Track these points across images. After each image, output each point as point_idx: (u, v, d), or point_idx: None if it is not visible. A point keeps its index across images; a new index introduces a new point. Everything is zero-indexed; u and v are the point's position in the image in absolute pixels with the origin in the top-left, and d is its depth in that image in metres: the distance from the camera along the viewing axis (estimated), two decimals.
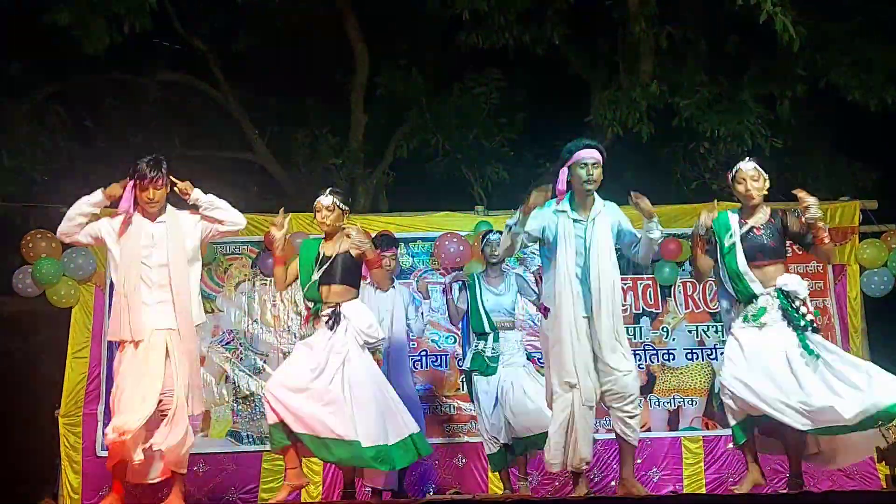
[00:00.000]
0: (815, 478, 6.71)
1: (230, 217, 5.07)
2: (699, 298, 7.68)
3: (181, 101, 10.34)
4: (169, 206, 5.04)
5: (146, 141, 9.61)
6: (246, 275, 7.63)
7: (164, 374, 4.82)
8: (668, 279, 7.65)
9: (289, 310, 7.55)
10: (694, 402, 7.54)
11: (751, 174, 5.07)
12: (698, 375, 7.58)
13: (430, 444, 5.52)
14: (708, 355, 7.59)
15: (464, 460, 7.38)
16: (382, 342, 5.48)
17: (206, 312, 7.22)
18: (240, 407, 7.40)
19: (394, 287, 6.42)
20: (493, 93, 10.04)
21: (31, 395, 8.18)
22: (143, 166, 4.87)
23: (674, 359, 7.61)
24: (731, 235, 5.06)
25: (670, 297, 7.71)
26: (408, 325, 6.60)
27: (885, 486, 7.07)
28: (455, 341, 7.58)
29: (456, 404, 7.45)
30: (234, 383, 7.43)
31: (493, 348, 6.22)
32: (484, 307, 6.26)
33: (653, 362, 7.56)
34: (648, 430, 7.25)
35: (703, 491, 7.20)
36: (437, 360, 7.62)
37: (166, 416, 4.80)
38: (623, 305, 7.15)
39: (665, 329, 7.66)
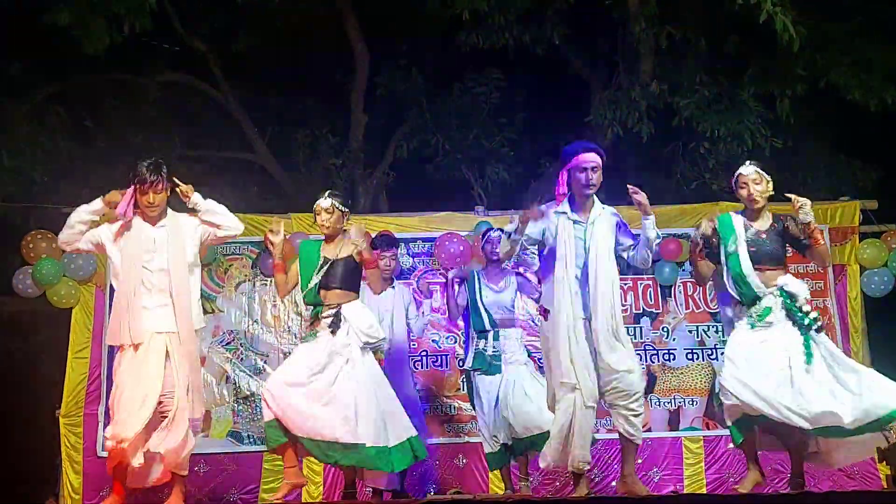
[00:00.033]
0: (815, 478, 6.71)
1: (228, 222, 5.06)
2: (699, 298, 7.68)
3: (181, 101, 10.34)
4: (169, 211, 5.04)
5: (146, 141, 9.61)
6: (246, 275, 7.63)
7: (163, 376, 4.82)
8: (668, 279, 7.65)
9: (289, 310, 7.54)
10: (694, 402, 7.54)
11: (752, 178, 5.08)
12: (699, 375, 7.58)
13: (426, 448, 5.52)
14: (708, 355, 7.58)
15: (464, 460, 7.38)
16: (384, 342, 5.48)
17: (207, 313, 7.29)
18: (240, 407, 7.39)
19: (393, 287, 6.42)
20: (493, 93, 10.05)
21: (31, 395, 8.18)
22: (142, 170, 4.87)
23: (674, 359, 7.61)
24: (734, 239, 5.06)
25: (670, 297, 7.71)
26: (408, 325, 6.60)
27: (885, 487, 7.07)
28: (455, 341, 7.58)
29: (456, 404, 7.45)
30: (235, 384, 7.43)
31: (494, 347, 6.22)
32: (483, 304, 6.26)
33: (653, 362, 7.56)
34: (649, 430, 7.24)
35: (704, 491, 7.20)
36: (437, 360, 7.62)
37: (166, 417, 4.81)
38: (623, 305, 7.20)
39: (665, 329, 7.66)
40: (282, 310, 7.57)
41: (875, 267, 7.65)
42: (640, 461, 7.04)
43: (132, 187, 4.89)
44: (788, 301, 4.98)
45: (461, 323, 6.73)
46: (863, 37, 8.55)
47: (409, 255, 7.72)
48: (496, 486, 7.07)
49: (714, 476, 7.36)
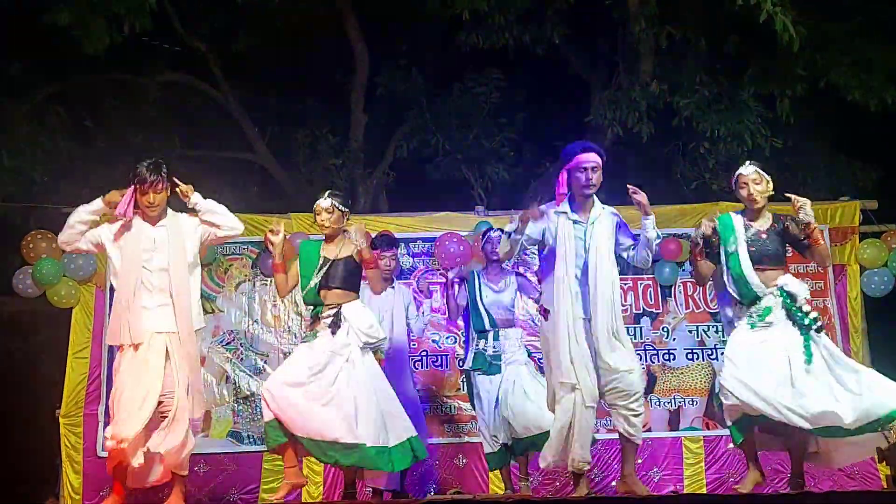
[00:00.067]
0: (816, 478, 6.72)
1: (228, 223, 5.06)
2: (699, 298, 7.68)
3: (181, 101, 10.33)
4: (169, 210, 5.04)
5: (146, 141, 9.60)
6: (246, 275, 7.63)
7: (163, 376, 4.82)
8: (668, 279, 7.65)
9: (289, 310, 7.55)
10: (694, 402, 7.54)
11: (752, 178, 5.08)
12: (699, 375, 7.58)
13: (426, 448, 5.51)
14: (708, 355, 7.59)
15: (464, 460, 7.38)
16: (384, 342, 5.48)
17: (207, 313, 7.30)
18: (240, 407, 7.40)
19: (393, 287, 6.42)
20: (493, 93, 10.04)
21: (31, 395, 8.18)
22: (142, 170, 4.86)
23: (674, 359, 7.61)
24: (734, 239, 5.06)
25: (671, 297, 7.71)
26: (408, 325, 6.59)
27: (885, 487, 7.07)
28: (455, 341, 7.58)
29: (456, 404, 7.45)
30: (235, 384, 7.44)
31: (494, 347, 6.22)
32: (483, 304, 6.26)
33: (653, 362, 7.56)
34: (649, 430, 7.24)
35: (704, 491, 7.20)
36: (437, 360, 7.62)
37: (166, 417, 4.80)
38: (623, 305, 7.21)
39: (665, 329, 7.66)
40: (282, 310, 7.57)
41: (875, 267, 7.66)
42: (640, 461, 7.04)
43: (132, 187, 4.89)
44: (788, 301, 4.99)
45: (461, 323, 6.73)
46: (863, 37, 8.55)
47: (409, 255, 7.72)
48: (496, 486, 7.07)
49: (714, 476, 7.37)
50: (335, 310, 5.17)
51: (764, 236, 5.07)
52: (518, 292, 6.43)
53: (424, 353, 7.59)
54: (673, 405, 7.55)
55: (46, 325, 8.34)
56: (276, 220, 5.43)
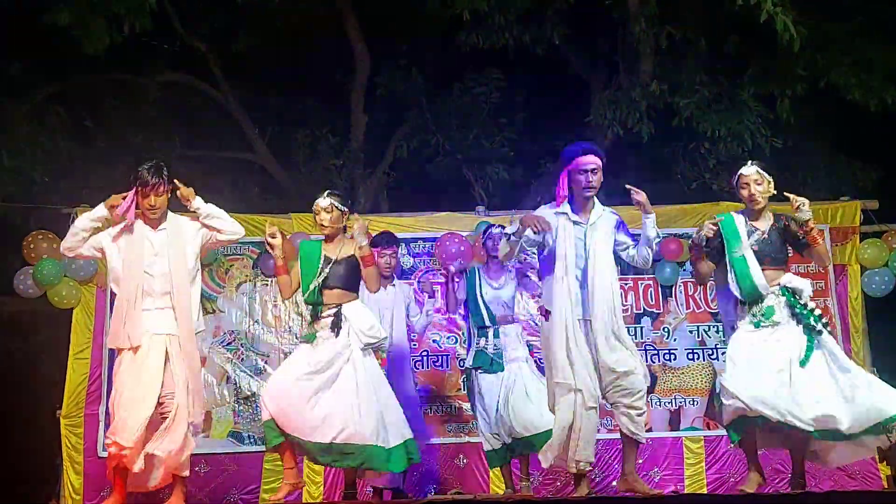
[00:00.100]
0: (816, 478, 6.72)
1: (229, 227, 5.06)
2: (700, 298, 7.68)
3: (181, 101, 10.33)
4: (170, 213, 5.04)
5: (146, 141, 9.61)
6: (247, 275, 7.63)
7: (163, 377, 4.82)
8: (669, 279, 7.65)
9: (290, 310, 7.54)
10: (695, 402, 7.54)
11: (754, 178, 5.08)
12: (699, 375, 7.58)
13: (420, 452, 5.50)
14: (709, 355, 7.59)
15: (465, 460, 7.38)
16: (385, 341, 5.48)
17: (208, 313, 7.33)
18: (241, 408, 7.39)
19: (393, 285, 6.42)
20: (493, 93, 10.04)
21: (31, 395, 8.19)
22: (143, 173, 4.86)
23: (675, 359, 7.62)
24: (739, 243, 5.03)
25: (671, 297, 7.71)
26: (411, 323, 6.58)
27: (886, 487, 7.08)
28: (456, 341, 7.58)
29: (457, 404, 7.45)
30: (236, 384, 7.43)
31: (494, 344, 6.22)
32: (483, 299, 6.26)
33: (654, 362, 7.56)
34: (650, 430, 7.22)
35: (705, 491, 7.21)
36: (438, 360, 7.62)
37: (167, 418, 4.80)
38: (624, 305, 7.22)
39: (666, 329, 7.66)
40: (283, 310, 7.57)
41: (876, 267, 7.66)
42: (640, 461, 7.04)
43: (133, 190, 4.89)
44: (792, 299, 4.98)
45: (462, 323, 6.72)
46: (863, 37, 8.55)
47: (409, 255, 7.72)
48: (496, 486, 7.07)
49: (715, 476, 7.37)
50: (335, 309, 5.16)
51: (766, 236, 5.06)
52: (519, 290, 6.44)
53: (425, 353, 7.59)
54: (674, 405, 7.55)
55: (46, 325, 8.34)
56: (270, 222, 5.40)
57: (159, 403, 4.82)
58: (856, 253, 7.68)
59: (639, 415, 5.01)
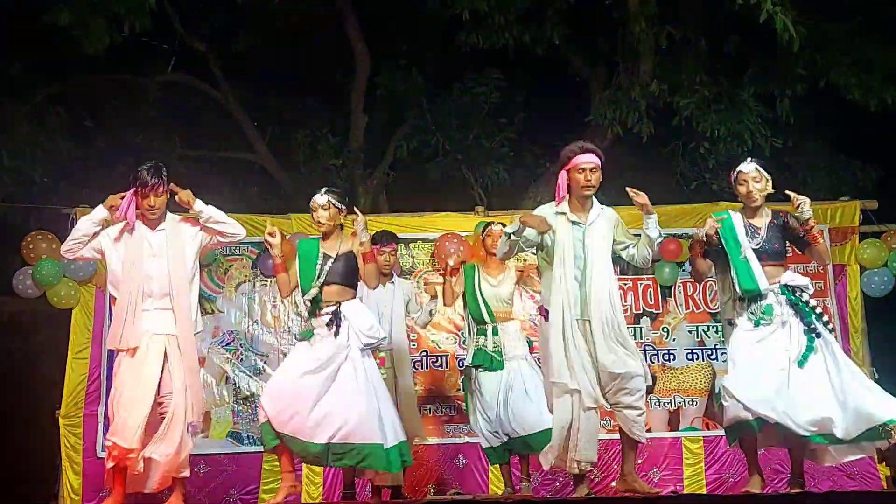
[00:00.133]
0: (815, 478, 6.72)
1: (231, 230, 5.06)
2: (699, 298, 7.68)
3: (181, 101, 10.33)
4: (169, 214, 5.03)
5: (146, 141, 9.62)
6: (246, 276, 7.63)
7: (162, 377, 4.82)
8: (668, 279, 7.65)
9: (289, 311, 7.54)
10: (694, 403, 7.55)
11: (752, 175, 5.06)
12: (699, 375, 7.58)
13: (412, 456, 5.51)
14: (708, 355, 7.59)
15: (464, 461, 7.38)
16: (384, 341, 5.48)
17: (207, 313, 7.33)
18: (240, 408, 7.40)
19: (392, 283, 6.41)
20: (493, 93, 10.03)
21: (31, 395, 8.19)
22: (143, 173, 4.86)
23: (674, 359, 7.62)
24: (739, 245, 5.01)
25: (670, 297, 7.72)
26: (413, 320, 6.57)
27: (885, 487, 7.08)
28: (455, 342, 7.58)
29: (456, 404, 7.45)
30: (235, 384, 7.44)
31: (494, 342, 6.21)
32: (482, 295, 6.25)
33: (653, 362, 7.56)
34: (649, 430, 7.20)
35: (704, 491, 7.21)
36: (437, 360, 7.62)
37: (165, 417, 4.80)
38: (623, 305, 7.19)
39: (665, 329, 7.66)
40: (282, 310, 7.57)
41: (875, 267, 7.66)
42: (639, 461, 7.04)
43: (132, 190, 4.89)
44: (793, 297, 4.97)
45: (462, 323, 6.71)
46: (863, 37, 8.55)
47: (409, 255, 7.72)
48: (496, 486, 7.07)
49: (714, 476, 7.37)
50: (334, 307, 5.15)
51: (763, 233, 5.05)
52: (517, 287, 6.44)
53: (424, 354, 7.59)
54: (673, 405, 7.55)
55: (46, 325, 8.34)
56: (269, 222, 5.39)
57: (158, 404, 4.83)
58: (855, 253, 7.68)
59: (639, 415, 5.00)
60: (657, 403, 7.53)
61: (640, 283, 7.71)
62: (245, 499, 7.21)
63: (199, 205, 4.98)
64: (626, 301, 7.56)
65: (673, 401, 7.55)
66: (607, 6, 8.95)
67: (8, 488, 7.65)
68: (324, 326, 5.13)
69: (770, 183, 5.08)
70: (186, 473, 4.98)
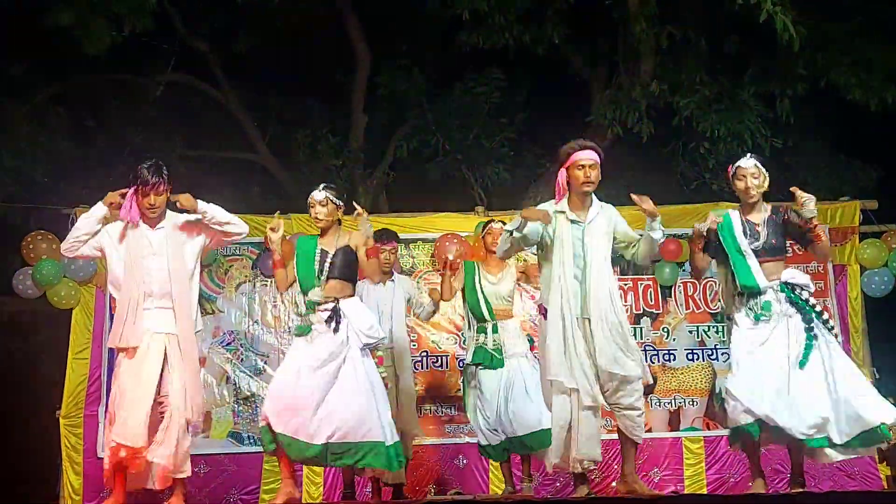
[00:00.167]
0: (816, 478, 6.73)
1: (235, 229, 5.05)
2: (699, 299, 7.68)
3: (182, 101, 10.34)
4: (169, 212, 5.03)
5: (147, 141, 9.62)
6: (246, 276, 7.63)
7: (162, 376, 4.82)
8: (668, 280, 7.65)
9: (289, 310, 7.54)
10: (695, 403, 7.55)
11: (751, 171, 5.04)
12: (699, 376, 7.58)
13: (405, 455, 5.50)
14: (709, 355, 7.59)
15: (465, 461, 7.38)
16: (383, 340, 5.47)
17: (207, 314, 7.34)
18: (241, 408, 7.40)
19: (393, 280, 6.41)
20: (494, 93, 10.04)
21: (31, 395, 8.20)
22: (143, 172, 4.85)
23: (674, 359, 7.62)
24: (737, 244, 5.01)
25: (671, 297, 7.72)
26: (415, 315, 6.57)
27: (886, 487, 7.08)
28: (455, 342, 7.58)
29: (457, 404, 7.44)
30: (235, 384, 7.44)
31: (494, 340, 6.20)
32: (482, 291, 6.25)
33: (654, 363, 7.56)
34: (649, 430, 7.24)
35: (705, 491, 7.21)
36: (437, 360, 7.62)
37: (164, 416, 4.81)
38: (624, 305, 7.18)
39: (666, 329, 7.67)
40: (282, 310, 7.57)
41: (875, 267, 7.66)
42: (640, 461, 7.04)
43: (132, 188, 4.88)
44: (793, 295, 4.97)
45: (462, 323, 6.70)
46: (863, 37, 8.55)
47: (409, 255, 7.72)
48: (496, 486, 7.07)
49: (714, 476, 7.37)
50: (333, 304, 5.14)
51: (762, 229, 5.03)
52: (518, 287, 6.44)
53: (425, 354, 7.59)
54: (673, 405, 7.55)
55: (46, 325, 8.35)
56: (276, 216, 5.39)
57: (158, 403, 4.82)
58: (855, 253, 7.69)
59: (638, 415, 5.00)
60: (657, 403, 7.53)
61: (641, 284, 7.71)
62: (246, 499, 7.22)
63: (201, 206, 4.96)
64: (626, 301, 7.56)
65: (673, 401, 7.55)
66: (607, 6, 8.95)
67: (8, 488, 7.65)
68: (322, 322, 5.12)
69: (767, 180, 5.07)
70: (187, 473, 4.97)
